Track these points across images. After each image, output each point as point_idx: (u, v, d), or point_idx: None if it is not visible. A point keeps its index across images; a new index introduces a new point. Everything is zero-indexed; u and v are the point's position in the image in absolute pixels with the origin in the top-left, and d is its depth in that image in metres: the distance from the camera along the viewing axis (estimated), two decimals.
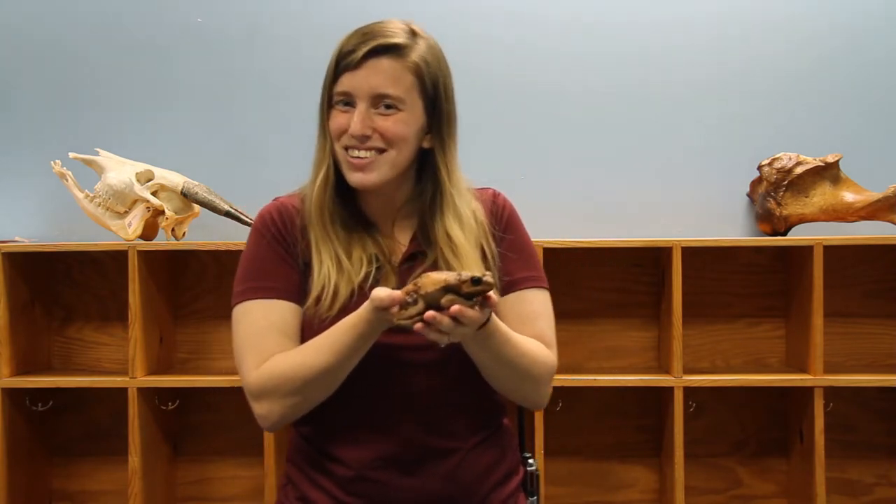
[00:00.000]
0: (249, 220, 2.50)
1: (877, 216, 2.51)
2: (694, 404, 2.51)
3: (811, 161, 2.52)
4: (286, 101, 2.66)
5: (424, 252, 1.57)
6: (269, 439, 2.39)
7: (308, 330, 1.53)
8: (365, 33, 1.52)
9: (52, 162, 2.52)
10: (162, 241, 2.53)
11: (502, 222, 1.63)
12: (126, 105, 2.68)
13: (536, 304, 1.61)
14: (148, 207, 2.47)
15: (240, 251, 2.43)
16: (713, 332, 2.65)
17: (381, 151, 1.52)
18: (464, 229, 1.56)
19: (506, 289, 1.59)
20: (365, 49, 1.49)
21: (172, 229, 2.51)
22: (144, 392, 2.44)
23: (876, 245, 2.53)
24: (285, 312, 1.54)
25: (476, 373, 1.53)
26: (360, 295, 1.51)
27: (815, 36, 2.65)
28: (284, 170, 2.58)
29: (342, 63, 1.51)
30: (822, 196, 2.53)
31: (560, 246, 2.38)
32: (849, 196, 2.52)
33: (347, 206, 1.58)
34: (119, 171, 2.49)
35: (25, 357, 2.52)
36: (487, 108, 2.62)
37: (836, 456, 2.57)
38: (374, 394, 1.53)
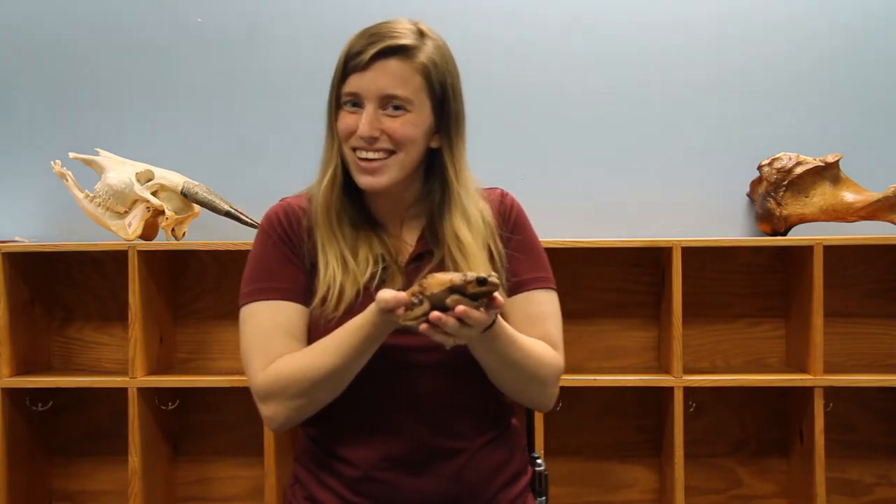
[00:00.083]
0: (249, 220, 2.50)
1: (877, 216, 2.51)
2: (694, 404, 2.51)
3: (811, 161, 2.52)
4: (286, 101, 2.66)
5: (431, 252, 1.57)
6: (269, 439, 2.39)
7: (314, 330, 1.53)
8: (373, 34, 1.51)
9: (52, 162, 2.52)
10: (162, 241, 2.53)
11: (510, 222, 1.62)
12: (126, 105, 2.68)
13: (544, 304, 1.60)
14: (148, 207, 2.47)
15: (240, 251, 2.47)
16: (713, 332, 2.65)
17: (389, 153, 1.52)
18: (471, 229, 1.56)
19: (514, 289, 1.58)
20: (373, 50, 1.49)
21: (172, 229, 2.51)
22: (144, 392, 2.44)
23: (876, 245, 2.53)
24: (292, 313, 1.54)
25: (482, 374, 1.53)
26: (365, 295, 1.51)
27: (815, 36, 2.65)
28: (284, 170, 2.62)
29: (350, 64, 1.51)
30: (822, 196, 2.53)
31: (560, 246, 2.38)
32: (849, 196, 2.52)
33: (355, 205, 1.58)
34: (119, 171, 2.49)
35: (25, 357, 2.52)
36: (487, 108, 2.61)
37: (836, 456, 2.57)
38: (380, 395, 1.53)
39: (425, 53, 1.52)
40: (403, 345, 1.48)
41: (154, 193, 2.48)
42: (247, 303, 1.56)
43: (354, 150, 1.53)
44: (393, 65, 1.50)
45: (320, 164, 1.59)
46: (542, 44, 2.66)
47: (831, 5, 2.65)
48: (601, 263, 2.62)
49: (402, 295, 1.37)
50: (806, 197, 2.54)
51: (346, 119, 1.53)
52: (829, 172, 2.53)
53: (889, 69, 2.65)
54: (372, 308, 1.41)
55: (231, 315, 2.62)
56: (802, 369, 2.48)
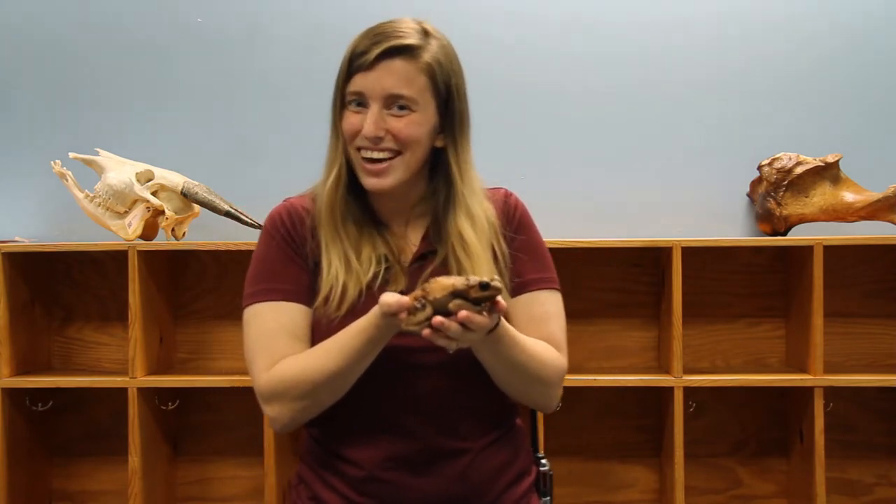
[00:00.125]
0: (249, 220, 2.50)
1: (877, 216, 2.51)
2: (694, 404, 2.51)
3: (811, 161, 2.52)
4: (286, 101, 2.66)
5: (435, 251, 1.57)
6: (269, 439, 2.39)
7: (317, 330, 1.53)
8: (377, 34, 1.51)
9: (52, 162, 2.52)
10: (162, 241, 2.53)
11: (514, 222, 1.62)
12: (126, 105, 2.68)
13: (548, 305, 1.60)
14: (148, 207, 2.47)
15: (240, 251, 2.47)
16: (713, 332, 2.65)
17: (394, 153, 1.52)
18: (475, 228, 1.56)
19: (518, 290, 1.58)
20: (378, 50, 1.49)
21: (172, 229, 2.51)
22: (144, 392, 2.43)
23: (876, 245, 2.53)
24: (295, 314, 1.54)
25: (486, 375, 1.53)
26: (368, 295, 1.51)
27: (815, 36, 2.65)
28: (284, 170, 2.63)
29: (355, 63, 1.51)
30: (822, 196, 2.53)
31: (560, 246, 2.38)
32: (849, 196, 2.52)
33: (359, 205, 1.58)
34: (119, 171, 2.49)
35: (25, 357, 2.52)
36: (487, 108, 2.58)
37: (836, 456, 2.57)
38: (383, 396, 1.53)
39: (430, 53, 1.52)
40: (406, 346, 1.48)
41: (154, 193, 2.48)
42: (250, 304, 1.56)
43: (359, 149, 1.53)
44: (398, 64, 1.50)
45: (325, 164, 1.59)
46: (542, 44, 2.66)
47: (831, 5, 2.65)
48: (601, 263, 2.62)
49: (405, 299, 1.37)
50: (806, 197, 2.54)
51: (351, 119, 1.53)
52: (829, 172, 2.53)
53: (889, 69, 2.65)
54: (375, 311, 1.41)
55: (231, 315, 2.63)
56: (802, 369, 2.48)
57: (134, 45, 2.69)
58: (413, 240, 1.60)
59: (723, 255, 2.63)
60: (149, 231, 2.54)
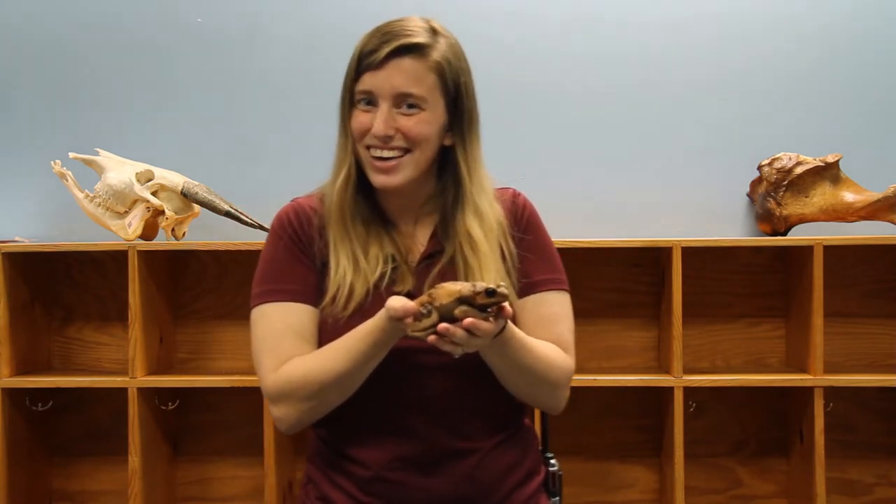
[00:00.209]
0: (249, 220, 2.50)
1: (877, 216, 2.51)
2: (694, 404, 2.51)
3: (811, 161, 2.52)
4: (286, 101, 2.66)
5: (443, 250, 1.57)
6: (269, 439, 2.39)
7: (324, 330, 1.53)
8: (386, 32, 1.51)
9: (52, 162, 2.52)
10: (162, 241, 2.53)
11: (522, 223, 1.62)
12: (126, 105, 2.68)
13: (556, 306, 1.60)
14: (148, 207, 2.47)
15: (240, 251, 2.47)
16: (713, 332, 2.65)
17: (404, 151, 1.52)
18: (483, 227, 1.56)
19: (526, 290, 1.58)
20: (387, 49, 1.49)
21: (172, 229, 2.51)
22: (144, 392, 2.43)
23: (876, 245, 2.53)
24: (302, 315, 1.54)
25: (493, 376, 1.53)
26: (375, 295, 1.51)
27: (815, 36, 2.65)
28: (284, 170, 2.63)
29: (364, 62, 1.51)
30: (822, 196, 2.53)
31: (560, 246, 2.34)
32: (849, 196, 2.52)
33: (368, 203, 1.58)
34: (119, 171, 2.49)
35: (25, 357, 2.52)
36: (487, 108, 2.56)
37: (836, 456, 2.57)
38: (389, 396, 1.53)
39: (439, 51, 1.52)
40: (413, 346, 1.47)
41: (154, 193, 2.48)
42: (257, 304, 1.56)
43: (369, 148, 1.53)
44: (407, 63, 1.50)
45: (333, 164, 1.58)
46: (542, 44, 2.66)
47: (831, 5, 2.65)
48: (601, 263, 2.62)
49: (412, 305, 1.37)
50: (806, 197, 2.53)
51: (361, 118, 1.53)
52: (829, 172, 2.53)
53: (889, 69, 2.65)
54: (382, 314, 1.41)
55: (231, 315, 2.64)
56: (802, 369, 2.48)
57: (134, 45, 2.69)
58: (421, 239, 1.60)
59: (723, 255, 2.63)
60: (149, 231, 2.54)
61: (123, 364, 2.51)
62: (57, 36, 2.69)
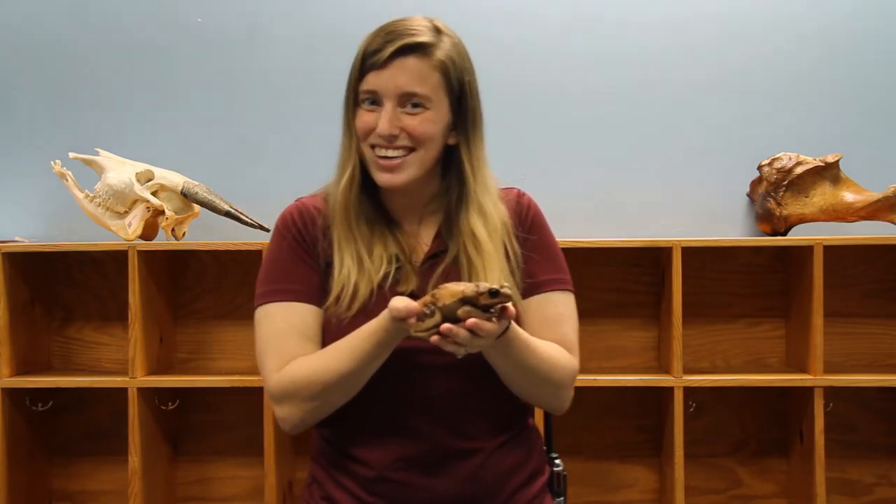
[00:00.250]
0: (249, 220, 2.50)
1: (877, 216, 2.51)
2: (694, 404, 2.51)
3: (811, 161, 2.52)
4: (286, 101, 2.66)
5: (447, 250, 1.57)
6: (269, 439, 2.39)
7: (328, 330, 1.54)
8: (389, 32, 1.51)
9: (52, 162, 2.52)
10: (162, 241, 2.53)
11: (527, 223, 1.62)
12: (126, 105, 2.68)
13: (560, 306, 1.60)
14: (148, 207, 2.47)
15: (240, 251, 2.47)
16: (713, 332, 2.65)
17: (408, 150, 1.52)
18: (487, 226, 1.56)
19: (530, 290, 1.58)
20: (391, 49, 1.49)
21: (172, 229, 2.51)
22: (144, 392, 2.43)
23: (876, 245, 2.53)
24: (306, 315, 1.54)
25: (496, 376, 1.53)
26: (379, 295, 1.51)
27: (815, 36, 2.65)
28: (284, 170, 2.63)
29: (368, 62, 1.51)
30: (822, 196, 2.53)
31: (560, 246, 2.37)
32: (849, 196, 2.52)
33: (372, 203, 1.59)
34: (119, 171, 2.49)
35: (25, 357, 2.52)
36: (487, 108, 2.56)
37: (836, 456, 2.57)
38: (393, 397, 1.53)
39: (443, 51, 1.52)
40: (416, 347, 1.47)
41: (154, 193, 2.48)
42: (261, 304, 1.56)
43: (373, 147, 1.53)
44: (411, 62, 1.50)
45: (337, 164, 1.58)
46: (542, 44, 2.66)
47: (831, 5, 2.65)
48: (601, 263, 2.62)
49: (415, 305, 1.37)
50: (806, 197, 2.54)
51: (365, 117, 1.53)
52: (829, 172, 2.53)
53: (889, 69, 2.65)
54: (385, 315, 1.41)
55: (231, 315, 2.64)
56: (802, 369, 2.48)
57: (134, 45, 2.69)
58: (425, 238, 1.60)
59: (723, 255, 2.63)
60: (149, 231, 2.54)
61: (123, 364, 2.50)
62: (57, 36, 2.69)
